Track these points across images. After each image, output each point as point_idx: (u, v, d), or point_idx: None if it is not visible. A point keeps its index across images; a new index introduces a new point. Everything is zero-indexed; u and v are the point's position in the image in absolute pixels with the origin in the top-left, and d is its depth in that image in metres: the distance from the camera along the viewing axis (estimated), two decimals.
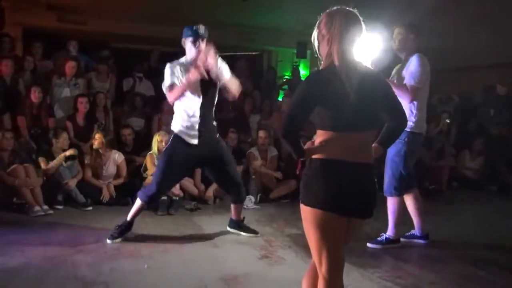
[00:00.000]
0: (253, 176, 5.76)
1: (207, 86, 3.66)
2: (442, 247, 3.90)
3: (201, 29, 3.63)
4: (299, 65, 9.98)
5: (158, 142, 5.21)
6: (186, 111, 3.71)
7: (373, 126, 1.96)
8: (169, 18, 7.62)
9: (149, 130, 6.34)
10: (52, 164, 5.00)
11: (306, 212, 1.93)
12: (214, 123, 3.86)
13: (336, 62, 1.85)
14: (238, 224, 4.17)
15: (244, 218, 4.21)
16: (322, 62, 1.95)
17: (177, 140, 3.77)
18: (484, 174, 6.86)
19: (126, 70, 7.41)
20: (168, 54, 8.14)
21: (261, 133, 5.97)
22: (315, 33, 1.98)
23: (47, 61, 6.80)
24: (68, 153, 5.10)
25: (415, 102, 3.67)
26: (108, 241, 3.77)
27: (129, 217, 3.87)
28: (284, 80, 9.74)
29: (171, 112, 5.98)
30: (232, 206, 4.16)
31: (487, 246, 3.95)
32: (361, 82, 1.84)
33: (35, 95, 5.59)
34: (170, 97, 3.63)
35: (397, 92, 3.62)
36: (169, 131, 5.72)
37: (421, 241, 3.96)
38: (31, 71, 6.25)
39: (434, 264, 3.52)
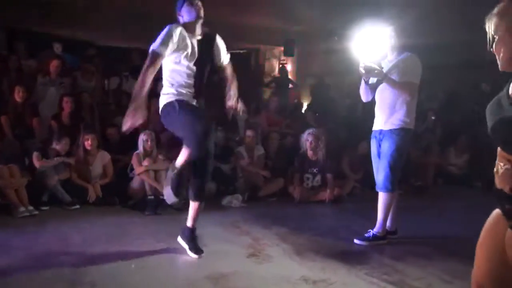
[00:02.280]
0: (241, 175, 5.77)
1: (203, 49, 3.38)
2: (429, 244, 3.94)
3: None
4: (286, 63, 10.01)
5: (144, 141, 5.18)
6: (179, 76, 3.36)
7: None
8: (154, 16, 7.57)
9: (135, 129, 6.26)
10: (46, 162, 4.94)
11: None
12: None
13: None
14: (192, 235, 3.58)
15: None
16: None
17: (178, 101, 3.32)
18: (469, 171, 6.95)
19: (113, 68, 7.37)
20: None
21: (249, 132, 5.98)
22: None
23: (31, 60, 6.72)
24: (68, 160, 5.07)
25: (411, 100, 3.72)
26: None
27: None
28: (271, 78, 9.76)
29: (158, 112, 5.96)
30: (191, 205, 3.55)
31: (473, 242, 4.00)
32: None
33: (19, 95, 5.53)
34: (144, 70, 3.15)
35: (397, 89, 3.69)
36: (156, 131, 5.74)
37: (393, 236, 4.00)
38: (16, 70, 6.17)
39: (421, 260, 3.55)
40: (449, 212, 5.29)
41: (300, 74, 10.69)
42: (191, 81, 3.39)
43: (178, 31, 3.26)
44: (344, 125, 7.09)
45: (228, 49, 3.71)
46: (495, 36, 1.57)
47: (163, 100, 3.45)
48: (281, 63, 10.09)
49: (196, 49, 3.36)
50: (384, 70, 3.75)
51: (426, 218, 4.93)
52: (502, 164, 1.55)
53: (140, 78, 3.16)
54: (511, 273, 1.61)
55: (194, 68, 3.37)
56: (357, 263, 3.41)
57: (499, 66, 1.60)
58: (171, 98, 3.36)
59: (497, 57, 1.58)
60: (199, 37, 3.40)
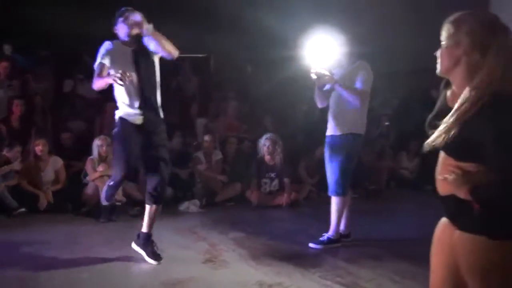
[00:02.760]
0: (199, 180, 5.74)
1: (141, 60, 3.41)
2: (381, 246, 4.07)
3: (124, 8, 3.41)
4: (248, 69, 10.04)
5: (98, 146, 5.07)
6: (120, 94, 3.42)
7: None
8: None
9: (90, 133, 6.14)
10: None
11: (510, 248, 1.57)
12: (158, 103, 3.55)
13: None
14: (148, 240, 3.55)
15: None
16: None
17: (123, 122, 3.46)
18: (420, 174, 7.22)
19: (67, 71, 7.16)
20: None
21: (207, 137, 5.97)
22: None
23: None
24: (14, 168, 4.87)
25: (361, 106, 3.82)
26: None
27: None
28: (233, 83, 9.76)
29: (112, 115, 5.84)
30: (146, 209, 3.55)
31: (423, 243, 4.16)
32: None
33: None
34: (94, 82, 3.34)
35: (348, 96, 3.78)
36: (110, 135, 5.62)
37: (346, 239, 4.10)
38: None
39: (373, 262, 3.65)
40: (401, 215, 5.47)
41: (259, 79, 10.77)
42: (133, 99, 3.42)
43: (112, 47, 3.39)
44: (301, 130, 7.21)
45: (187, 52, 3.71)
46: (442, 42, 1.64)
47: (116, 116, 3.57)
48: (243, 68, 10.11)
49: (132, 64, 3.39)
50: (337, 77, 3.85)
51: (379, 221, 5.08)
52: (449, 171, 1.60)
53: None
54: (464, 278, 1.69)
55: (135, 84, 3.38)
56: (312, 266, 3.47)
57: (438, 71, 1.68)
58: (117, 118, 3.51)
59: (438, 61, 1.65)
60: (136, 51, 3.43)
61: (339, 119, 3.88)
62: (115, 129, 3.52)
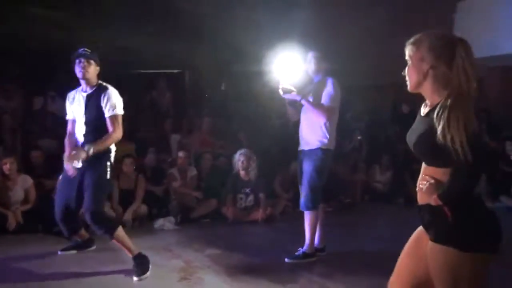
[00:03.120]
0: (174, 197, 5.69)
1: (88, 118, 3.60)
2: (356, 259, 4.11)
3: (83, 49, 3.57)
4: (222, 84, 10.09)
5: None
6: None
7: None
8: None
9: (61, 151, 6.01)
10: None
11: (464, 259, 1.67)
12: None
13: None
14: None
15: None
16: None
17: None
18: (393, 187, 7.35)
19: (37, 88, 7.03)
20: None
21: (181, 153, 5.94)
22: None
23: None
24: None
25: (329, 121, 3.89)
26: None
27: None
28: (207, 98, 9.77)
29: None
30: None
31: (396, 256, 4.25)
32: None
33: None
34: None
35: (314, 111, 3.84)
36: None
37: (321, 253, 4.14)
38: None
39: (349, 276, 3.69)
40: (375, 228, 5.56)
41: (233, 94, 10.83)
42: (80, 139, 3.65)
43: (70, 95, 3.73)
44: (276, 145, 7.26)
45: (161, 68, 3.78)
46: (408, 61, 1.81)
47: None
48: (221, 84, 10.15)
49: (82, 106, 3.60)
50: (308, 93, 3.92)
51: (354, 234, 5.14)
52: (425, 182, 1.75)
53: None
54: (431, 283, 1.76)
55: (84, 127, 3.60)
56: (288, 281, 3.48)
57: (408, 87, 1.85)
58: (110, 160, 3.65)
59: (407, 79, 1.83)
60: (88, 92, 3.59)
61: (308, 134, 3.95)
62: (108, 166, 3.56)
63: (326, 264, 3.96)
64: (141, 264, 3.52)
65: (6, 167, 4.90)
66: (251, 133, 7.56)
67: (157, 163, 6.10)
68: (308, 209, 3.95)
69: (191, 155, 6.21)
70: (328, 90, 3.87)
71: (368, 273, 3.75)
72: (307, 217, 3.99)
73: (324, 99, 3.87)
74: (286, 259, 3.97)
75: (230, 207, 5.63)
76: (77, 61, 3.53)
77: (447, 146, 1.63)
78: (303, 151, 4.00)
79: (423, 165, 1.84)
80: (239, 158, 5.78)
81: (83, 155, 3.36)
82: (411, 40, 1.80)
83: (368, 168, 7.42)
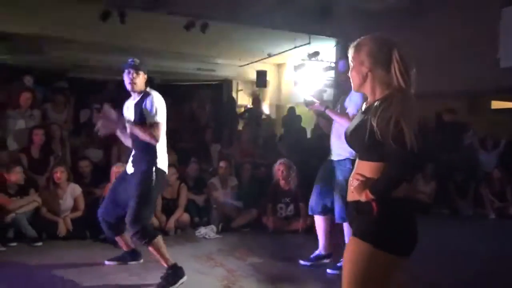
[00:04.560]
0: (215, 206, 5.77)
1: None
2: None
3: (132, 60, 3.66)
4: (259, 95, 10.20)
5: (116, 173, 5.14)
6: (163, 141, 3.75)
7: None
8: (130, 48, 7.66)
9: (107, 161, 6.24)
10: (13, 202, 4.82)
11: (370, 253, 1.77)
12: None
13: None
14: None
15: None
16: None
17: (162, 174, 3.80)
18: (436, 198, 7.15)
19: (83, 101, 7.34)
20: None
21: (222, 163, 6.02)
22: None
23: (0, 93, 6.62)
24: (31, 206, 4.95)
25: None
26: None
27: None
28: (244, 109, 9.90)
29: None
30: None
31: (442, 266, 4.13)
32: None
33: None
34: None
35: (339, 121, 3.81)
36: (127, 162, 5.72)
37: (326, 260, 4.14)
38: None
39: None
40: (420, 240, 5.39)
41: (273, 105, 10.92)
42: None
43: (126, 103, 3.81)
44: (315, 155, 7.22)
45: (200, 80, 3.88)
46: (351, 64, 1.93)
47: None
48: (255, 95, 10.28)
49: (132, 113, 3.68)
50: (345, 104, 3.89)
51: None
52: (356, 179, 1.84)
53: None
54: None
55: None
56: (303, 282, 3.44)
57: (352, 88, 1.98)
58: (157, 168, 3.65)
59: (351, 80, 1.95)
60: (136, 100, 3.68)
61: (336, 145, 3.92)
62: (154, 178, 3.56)
63: None
64: (173, 276, 3.53)
65: (57, 176, 5.13)
66: (290, 144, 7.59)
67: (199, 173, 6.20)
68: (344, 220, 3.88)
69: (232, 164, 6.28)
70: (355, 99, 3.81)
71: (417, 286, 3.66)
72: (344, 228, 3.92)
73: (350, 109, 3.83)
74: (328, 270, 3.94)
75: (271, 217, 5.64)
76: (126, 71, 3.63)
77: (377, 141, 1.75)
78: (332, 161, 3.99)
79: (357, 160, 1.95)
80: (278, 168, 5.79)
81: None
82: (354, 43, 1.92)
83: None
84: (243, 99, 10.84)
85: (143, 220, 3.49)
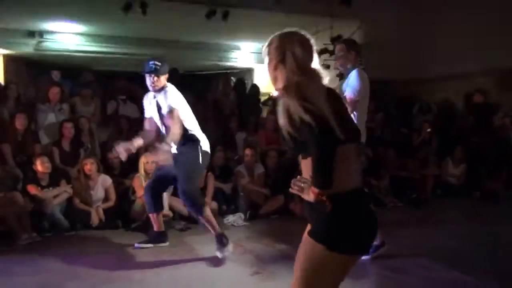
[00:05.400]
0: (242, 194, 5.80)
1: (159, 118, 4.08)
2: (430, 255, 3.97)
3: (153, 63, 3.86)
4: None
5: (144, 163, 5.23)
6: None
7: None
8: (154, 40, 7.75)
9: (136, 152, 6.33)
10: (45, 193, 4.98)
11: (321, 253, 1.75)
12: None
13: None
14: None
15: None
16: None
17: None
18: (467, 181, 7.01)
19: (109, 93, 7.46)
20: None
21: (247, 151, 6.03)
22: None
23: (30, 88, 6.79)
24: (66, 190, 5.11)
25: (355, 113, 3.74)
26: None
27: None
28: (268, 96, 9.86)
29: (157, 134, 6.03)
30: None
31: (472, 252, 4.06)
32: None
33: (20, 122, 5.58)
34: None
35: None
36: (155, 153, 5.80)
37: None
38: (15, 99, 6.23)
39: (424, 272, 3.58)
40: (449, 223, 5.31)
41: None
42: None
43: (147, 95, 4.13)
44: None
45: (223, 68, 3.96)
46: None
47: None
48: None
49: (154, 108, 4.03)
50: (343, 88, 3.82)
51: (426, 229, 4.96)
52: (297, 186, 1.80)
53: None
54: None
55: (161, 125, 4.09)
56: (360, 276, 3.44)
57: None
58: (203, 150, 4.10)
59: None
60: (157, 96, 3.98)
61: None
62: (200, 153, 3.99)
63: (399, 260, 3.87)
64: (221, 242, 3.94)
65: (87, 168, 5.26)
66: None
67: (225, 161, 6.24)
68: None
69: (257, 152, 6.29)
70: (351, 82, 3.75)
71: (444, 269, 3.62)
72: None
73: (347, 92, 3.74)
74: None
75: (298, 203, 5.63)
76: (147, 76, 3.89)
77: (294, 138, 1.75)
78: None
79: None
80: None
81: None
82: (268, 40, 1.92)
83: (440, 162, 7.12)
84: (267, 87, 10.81)
85: (193, 192, 3.94)
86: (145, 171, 5.21)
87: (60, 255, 4.16)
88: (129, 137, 6.42)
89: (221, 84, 8.26)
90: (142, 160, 5.26)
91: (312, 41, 1.90)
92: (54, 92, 6.08)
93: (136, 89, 7.32)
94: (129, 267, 3.80)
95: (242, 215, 5.47)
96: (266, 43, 1.94)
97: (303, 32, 1.91)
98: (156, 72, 3.84)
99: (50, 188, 5.07)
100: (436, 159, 7.16)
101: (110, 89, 7.75)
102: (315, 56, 1.88)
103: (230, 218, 5.41)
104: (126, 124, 6.59)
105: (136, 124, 6.76)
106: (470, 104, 7.87)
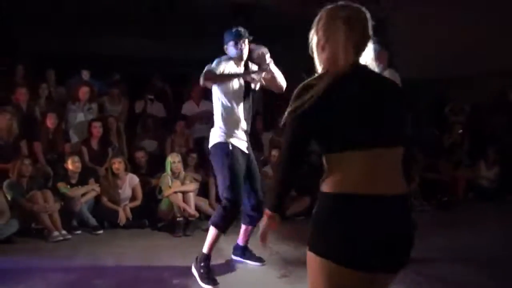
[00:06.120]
0: (268, 194, 5.75)
1: (247, 91, 3.57)
2: (464, 261, 3.83)
3: (241, 29, 3.50)
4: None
5: (171, 163, 5.25)
6: (234, 117, 3.51)
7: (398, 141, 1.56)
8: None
9: (162, 151, 6.39)
10: (74, 191, 5.05)
11: (314, 262, 1.53)
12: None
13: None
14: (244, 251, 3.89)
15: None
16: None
17: (234, 148, 3.50)
18: (501, 184, 6.78)
19: (137, 92, 7.52)
20: (171, 75, 8.29)
21: (274, 152, 5.99)
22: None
23: (61, 88, 6.92)
24: (94, 188, 5.17)
25: None
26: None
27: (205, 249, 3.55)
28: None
29: (183, 133, 6.04)
30: (244, 228, 3.87)
31: (507, 256, 3.90)
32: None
33: (51, 121, 5.69)
34: (208, 80, 3.40)
35: None
36: (182, 151, 5.82)
37: None
38: (46, 98, 6.36)
39: (454, 277, 3.46)
40: (481, 228, 5.14)
41: None
42: (243, 122, 3.61)
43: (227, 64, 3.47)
44: None
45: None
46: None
47: None
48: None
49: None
50: None
51: (459, 234, 4.81)
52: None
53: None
54: None
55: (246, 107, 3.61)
56: (394, 282, 3.33)
57: None
58: (226, 143, 3.54)
59: None
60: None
61: None
62: (224, 155, 3.46)
63: (433, 266, 3.75)
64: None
65: (115, 167, 5.31)
66: None
67: None
68: None
69: None
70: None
71: (478, 275, 3.49)
72: None
73: None
74: None
75: None
76: (233, 42, 3.47)
77: None
78: None
79: None
80: None
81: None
82: (318, 15, 1.65)
83: (472, 164, 6.91)
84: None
85: None
86: (171, 170, 5.23)
87: (88, 253, 4.22)
88: (155, 136, 6.55)
89: None
90: (169, 159, 5.28)
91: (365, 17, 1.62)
92: (84, 92, 6.18)
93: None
94: (156, 266, 3.81)
95: None
96: (316, 19, 1.65)
97: (356, 6, 1.62)
98: (245, 38, 3.47)
99: (79, 187, 5.15)
100: (469, 161, 6.95)
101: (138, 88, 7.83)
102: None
103: None
104: (153, 123, 6.64)
105: (163, 123, 6.84)
106: (502, 103, 7.61)
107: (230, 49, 3.51)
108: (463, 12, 7.36)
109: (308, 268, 1.58)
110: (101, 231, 4.98)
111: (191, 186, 5.21)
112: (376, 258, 1.47)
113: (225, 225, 3.52)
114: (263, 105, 7.98)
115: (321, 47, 1.62)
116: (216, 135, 3.55)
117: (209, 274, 3.40)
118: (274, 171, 1.41)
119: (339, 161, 1.53)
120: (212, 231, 3.55)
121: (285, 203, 1.68)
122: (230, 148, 3.47)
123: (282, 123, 1.60)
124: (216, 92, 3.52)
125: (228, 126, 3.51)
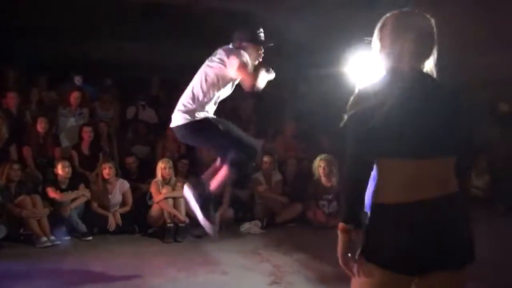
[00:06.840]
0: (259, 201, 5.75)
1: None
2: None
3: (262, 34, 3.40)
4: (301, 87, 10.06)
5: (161, 169, 5.22)
6: (214, 102, 3.46)
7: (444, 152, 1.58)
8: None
9: (153, 157, 6.35)
10: (64, 196, 5.00)
11: (370, 272, 1.59)
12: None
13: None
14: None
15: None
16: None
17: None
18: (491, 193, 6.82)
19: (130, 98, 7.50)
20: (168, 81, 8.28)
21: (266, 158, 5.98)
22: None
23: (52, 92, 6.87)
24: (84, 193, 5.12)
25: None
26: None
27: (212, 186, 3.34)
28: None
29: (174, 139, 5.99)
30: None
31: (500, 265, 3.92)
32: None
33: (41, 126, 5.65)
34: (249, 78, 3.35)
35: None
36: (173, 157, 5.79)
37: None
38: (37, 102, 6.32)
39: None
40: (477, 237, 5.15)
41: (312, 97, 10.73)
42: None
43: None
44: None
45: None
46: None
47: None
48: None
49: None
50: None
51: None
52: None
53: None
54: None
55: None
56: None
57: None
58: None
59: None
60: None
61: None
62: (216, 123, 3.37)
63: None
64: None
65: (106, 172, 5.27)
66: (333, 136, 7.43)
67: None
68: None
69: (275, 159, 6.24)
70: None
71: (473, 285, 3.49)
72: None
73: None
74: None
75: (317, 211, 5.55)
76: (258, 47, 3.39)
77: None
78: None
79: None
80: (319, 164, 5.68)
81: None
82: (381, 21, 1.66)
83: None
84: None
85: None
86: (162, 176, 5.20)
87: (77, 259, 4.18)
88: (147, 143, 6.52)
89: (240, 89, 8.23)
90: (160, 165, 5.26)
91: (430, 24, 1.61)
92: (75, 97, 6.15)
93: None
94: (145, 273, 3.77)
95: (259, 223, 5.41)
96: (379, 25, 1.65)
97: (421, 13, 1.63)
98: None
99: (69, 192, 5.10)
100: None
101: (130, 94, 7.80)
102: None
103: (247, 226, 5.35)
104: (145, 129, 6.62)
105: (154, 129, 6.81)
106: (495, 113, 7.67)
107: (250, 50, 3.39)
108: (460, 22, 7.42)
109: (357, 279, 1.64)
110: (90, 238, 4.92)
111: (182, 192, 5.17)
112: (426, 260, 1.52)
113: (244, 169, 3.34)
114: (255, 112, 7.98)
115: (385, 53, 1.63)
116: (193, 112, 3.32)
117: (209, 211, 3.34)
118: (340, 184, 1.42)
119: (389, 168, 1.55)
120: (225, 172, 3.29)
121: (358, 212, 1.59)
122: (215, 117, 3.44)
123: (341, 125, 1.61)
124: (224, 76, 3.39)
125: (209, 106, 3.41)
